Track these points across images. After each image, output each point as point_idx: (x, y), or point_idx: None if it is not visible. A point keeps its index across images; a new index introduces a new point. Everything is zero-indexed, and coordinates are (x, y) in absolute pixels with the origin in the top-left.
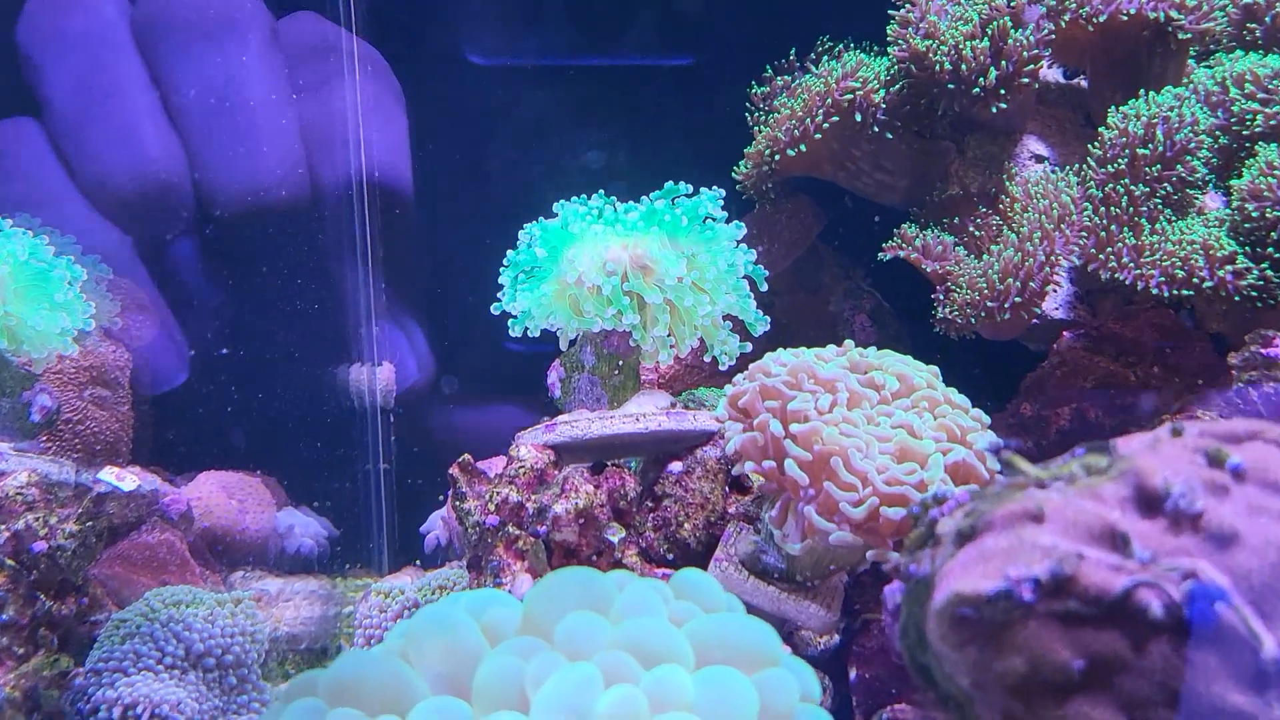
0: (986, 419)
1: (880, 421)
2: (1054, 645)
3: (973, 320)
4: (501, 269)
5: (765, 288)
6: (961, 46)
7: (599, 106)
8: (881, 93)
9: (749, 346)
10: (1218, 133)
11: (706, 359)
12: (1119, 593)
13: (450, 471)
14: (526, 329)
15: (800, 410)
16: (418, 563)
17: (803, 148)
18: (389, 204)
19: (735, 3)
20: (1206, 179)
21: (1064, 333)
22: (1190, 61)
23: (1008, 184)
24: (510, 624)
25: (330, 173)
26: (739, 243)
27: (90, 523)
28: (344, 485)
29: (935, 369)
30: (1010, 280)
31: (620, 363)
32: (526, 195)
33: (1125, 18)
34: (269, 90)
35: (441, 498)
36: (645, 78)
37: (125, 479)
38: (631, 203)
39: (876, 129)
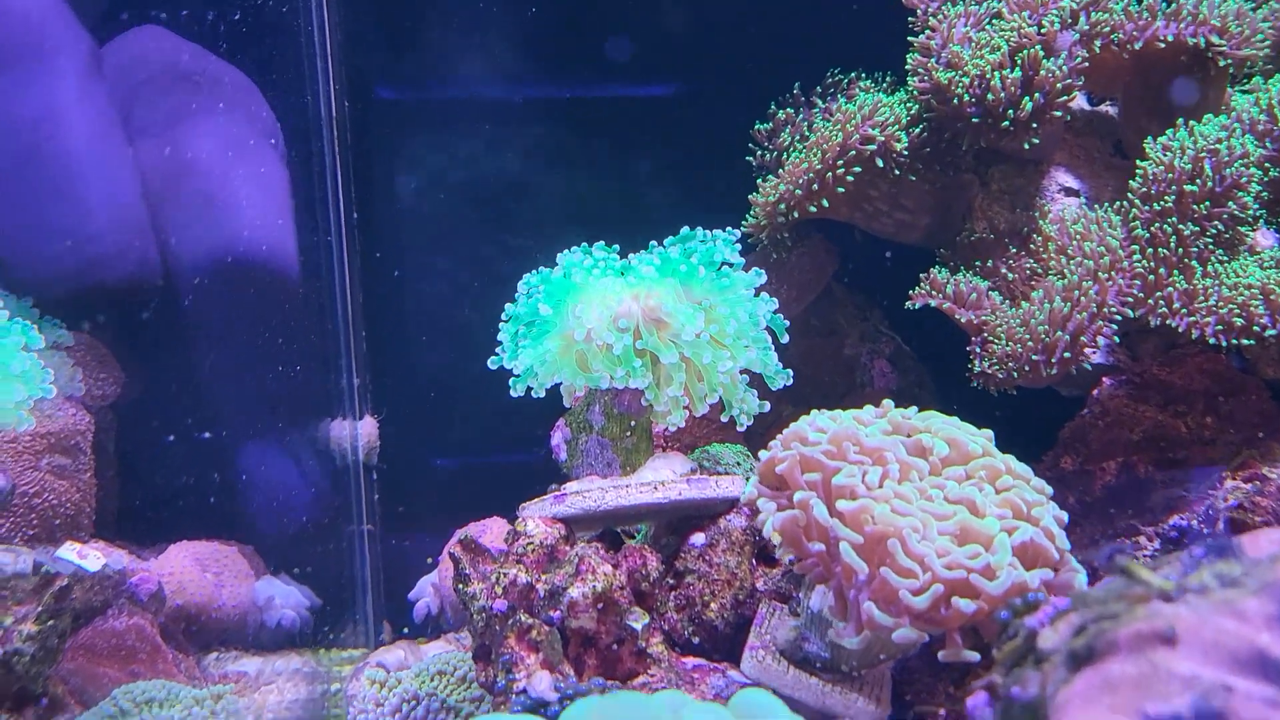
0: (1049, 490)
1: (935, 496)
2: None
3: (1015, 375)
4: (501, 322)
5: (786, 339)
6: (989, 77)
7: (589, 139)
8: (904, 137)
9: (768, 405)
10: (1267, 164)
11: (724, 418)
12: None
13: (451, 551)
14: (530, 388)
15: (847, 485)
16: (405, 631)
17: (824, 203)
18: (258, 276)
19: (733, 31)
20: (1258, 215)
21: (1104, 379)
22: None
23: (1041, 222)
24: None
25: (188, 238)
26: (758, 291)
27: (51, 621)
28: (326, 549)
29: (989, 432)
30: (1059, 333)
31: (633, 423)
32: (516, 239)
33: (1162, 44)
34: (88, 135)
35: (431, 560)
36: (640, 108)
37: (89, 557)
38: (644, 253)
39: (899, 172)
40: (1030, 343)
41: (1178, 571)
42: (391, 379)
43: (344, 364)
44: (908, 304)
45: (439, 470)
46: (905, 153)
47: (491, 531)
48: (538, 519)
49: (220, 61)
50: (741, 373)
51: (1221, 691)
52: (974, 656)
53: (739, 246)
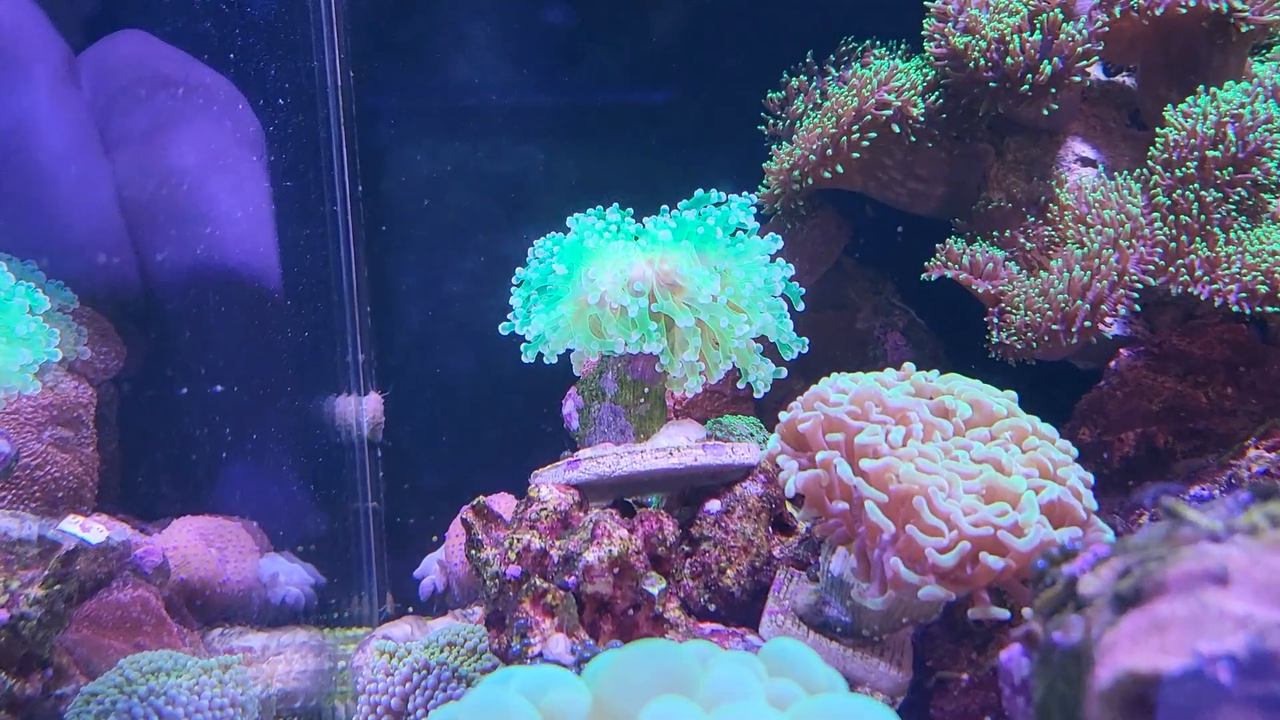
0: (1075, 451)
1: (959, 456)
2: None
3: (1034, 345)
4: (512, 287)
5: (802, 306)
6: (1009, 40)
7: (598, 116)
8: (920, 103)
9: (784, 372)
10: None
11: (740, 385)
12: None
13: (463, 516)
14: (541, 354)
15: (870, 444)
16: (412, 610)
17: (839, 168)
18: (239, 293)
19: (745, 4)
20: None
21: (1121, 350)
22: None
23: (1058, 191)
24: (578, 712)
25: (169, 252)
26: (773, 257)
27: (58, 586)
28: (331, 527)
29: (1013, 393)
30: (1079, 302)
31: (646, 390)
32: (524, 212)
33: (1184, 10)
34: (63, 145)
35: (436, 538)
36: (649, 85)
37: (91, 530)
38: (657, 217)
39: (915, 138)
40: (1050, 312)
41: (1224, 514)
42: (397, 355)
43: (349, 339)
44: (923, 275)
45: (445, 447)
46: (922, 118)
47: (500, 506)
48: (551, 485)
49: (204, 68)
50: (755, 340)
51: (1277, 631)
52: (1003, 614)
53: (754, 210)
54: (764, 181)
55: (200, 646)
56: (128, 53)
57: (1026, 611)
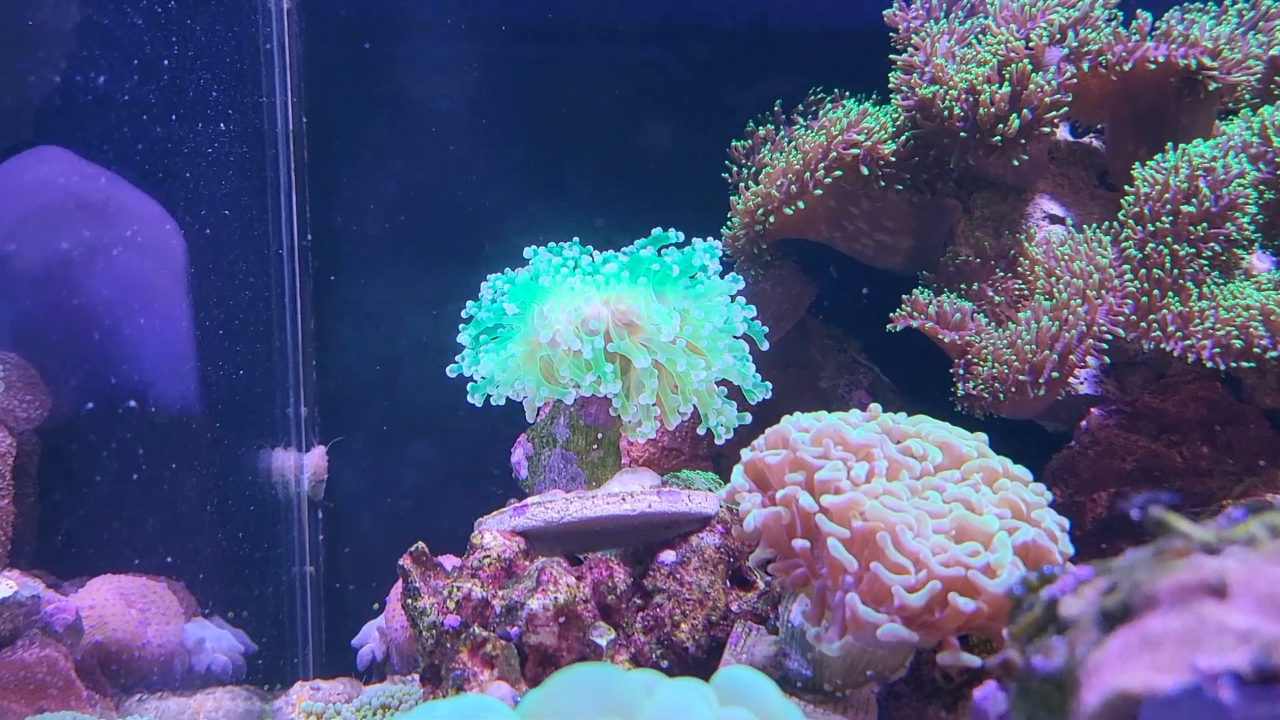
0: (1048, 494)
1: (929, 496)
2: None
3: (1001, 396)
4: (460, 326)
5: (766, 346)
6: (979, 90)
7: (558, 165)
8: (890, 145)
9: (748, 418)
10: (1262, 187)
11: (701, 431)
12: None
13: (400, 563)
14: (489, 396)
15: (831, 479)
16: (349, 679)
17: (800, 205)
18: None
19: (712, 54)
20: (1252, 237)
21: (1091, 409)
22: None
23: (1027, 245)
24: None
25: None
26: (734, 297)
27: None
28: (264, 591)
29: (983, 435)
30: (1047, 352)
31: (600, 435)
32: (478, 264)
33: (1153, 65)
34: None
35: (377, 605)
36: (611, 124)
37: None
38: (613, 252)
39: (884, 183)
40: (1017, 363)
41: (1216, 528)
42: (343, 409)
43: (291, 392)
44: (889, 326)
45: (390, 507)
46: (893, 159)
47: (450, 566)
48: (495, 532)
49: (130, 189)
50: (718, 384)
51: None
52: (974, 661)
53: (718, 254)
54: (728, 223)
55: (113, 714)
56: (42, 172)
57: (1005, 637)
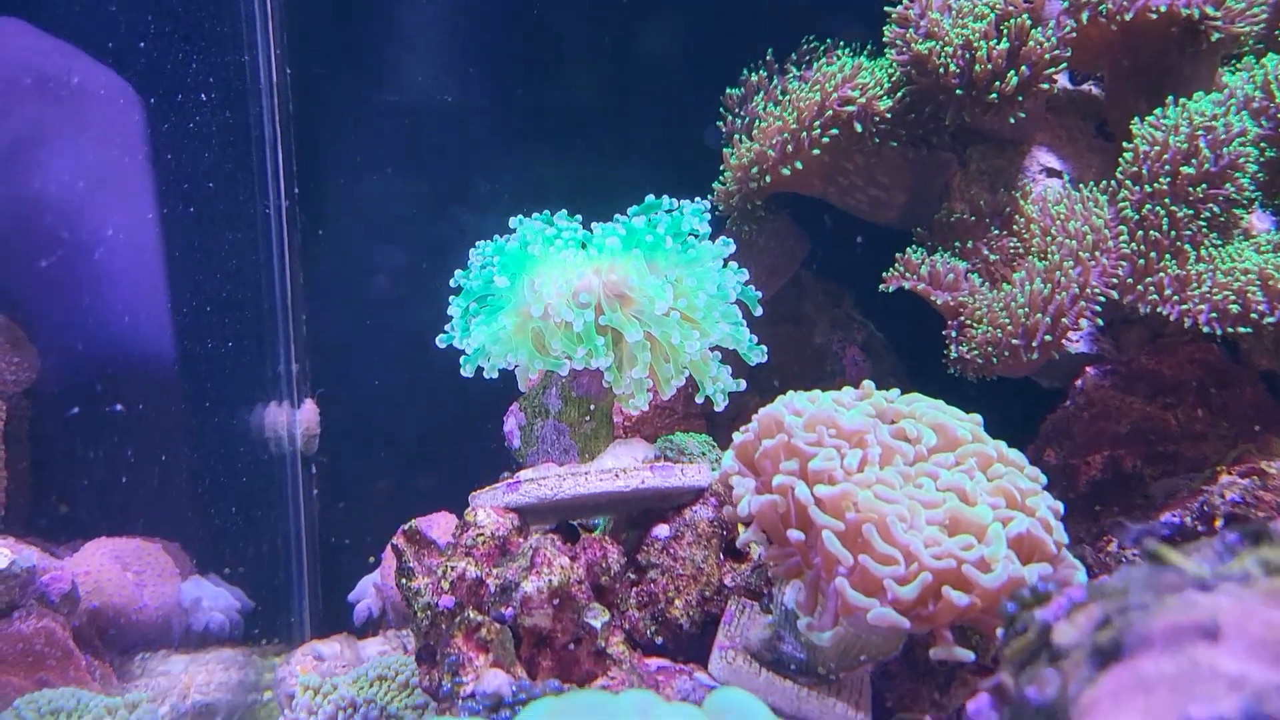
0: (1043, 478)
1: (923, 483)
2: None
3: (994, 360)
4: (451, 297)
5: (760, 312)
6: (976, 46)
7: (544, 117)
8: (886, 101)
9: (743, 384)
10: (1263, 144)
11: (699, 400)
12: None
13: (394, 543)
14: (481, 368)
15: (824, 469)
16: (347, 635)
17: (798, 164)
18: (152, 306)
19: (702, 5)
20: (1252, 197)
21: (1086, 368)
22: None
23: (1022, 202)
24: None
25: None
26: (727, 261)
27: None
28: (259, 548)
29: (978, 417)
30: (1039, 315)
31: (592, 406)
32: (468, 216)
33: (1154, 15)
34: None
35: (373, 559)
36: (600, 81)
37: None
38: (606, 224)
39: (878, 139)
40: (1010, 326)
41: (1211, 559)
42: (334, 364)
43: (281, 348)
44: (881, 287)
45: (383, 462)
46: (889, 115)
47: (439, 526)
48: (489, 509)
49: (92, 64)
50: (713, 350)
51: (1275, 694)
52: (968, 655)
53: (708, 216)
54: (721, 177)
55: (113, 679)
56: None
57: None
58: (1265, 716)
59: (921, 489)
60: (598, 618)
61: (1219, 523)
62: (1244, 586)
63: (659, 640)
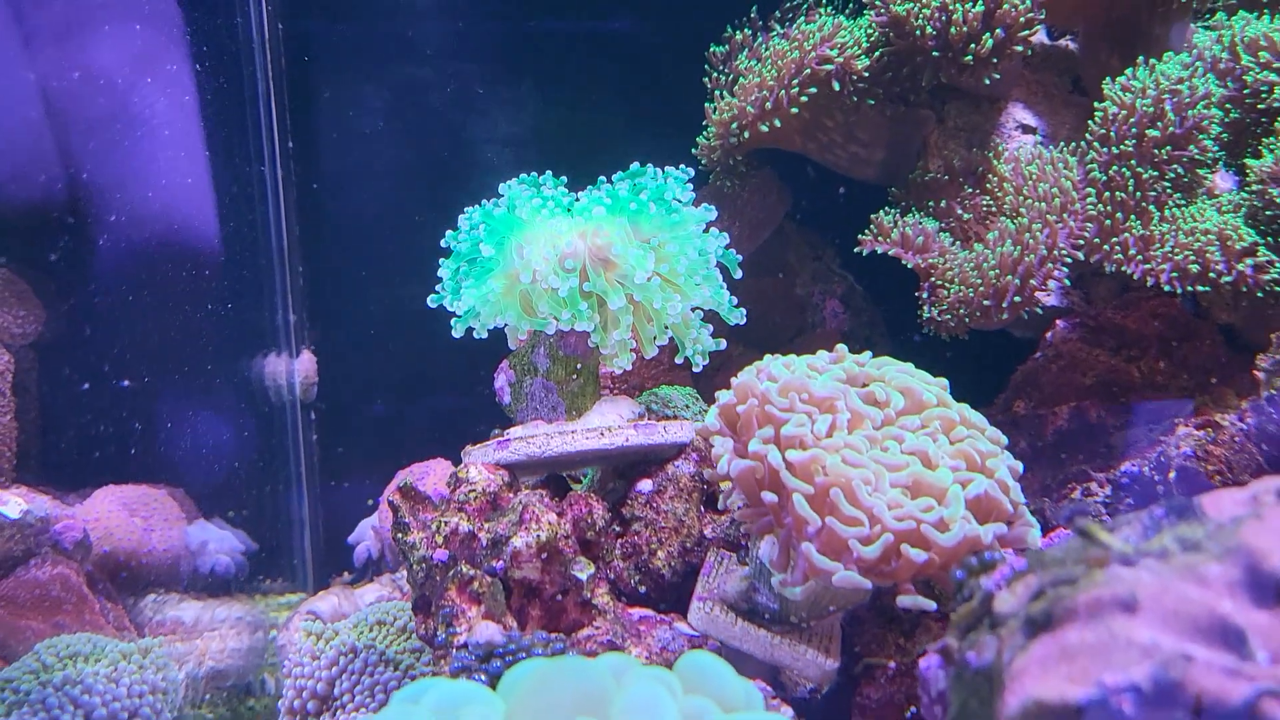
0: (1004, 439)
1: (889, 446)
2: None
3: (966, 320)
4: (441, 258)
5: (740, 274)
6: (952, 9)
7: (536, 71)
8: (864, 60)
9: (723, 344)
10: (1228, 105)
11: (679, 359)
12: (1239, 704)
13: (390, 499)
14: (472, 329)
15: (796, 435)
16: (346, 575)
17: (777, 122)
18: (176, 207)
19: None
20: (1216, 157)
21: (1057, 321)
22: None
23: (995, 162)
24: None
25: (95, 162)
26: (708, 227)
27: None
28: (261, 492)
29: (944, 381)
30: (1009, 277)
31: (579, 365)
32: (460, 168)
33: None
34: None
35: (371, 502)
36: (589, 38)
37: (9, 503)
38: (592, 189)
39: (856, 98)
40: (982, 287)
41: (1138, 533)
42: (331, 315)
43: (279, 299)
44: (856, 249)
45: (380, 409)
46: (866, 74)
47: (435, 473)
48: (480, 465)
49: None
50: (695, 310)
51: (1181, 661)
52: (930, 604)
53: (690, 185)
54: (704, 133)
55: (125, 621)
56: None
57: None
58: (1171, 681)
59: (888, 452)
60: (583, 570)
61: (1172, 475)
62: (1163, 562)
63: (642, 590)
